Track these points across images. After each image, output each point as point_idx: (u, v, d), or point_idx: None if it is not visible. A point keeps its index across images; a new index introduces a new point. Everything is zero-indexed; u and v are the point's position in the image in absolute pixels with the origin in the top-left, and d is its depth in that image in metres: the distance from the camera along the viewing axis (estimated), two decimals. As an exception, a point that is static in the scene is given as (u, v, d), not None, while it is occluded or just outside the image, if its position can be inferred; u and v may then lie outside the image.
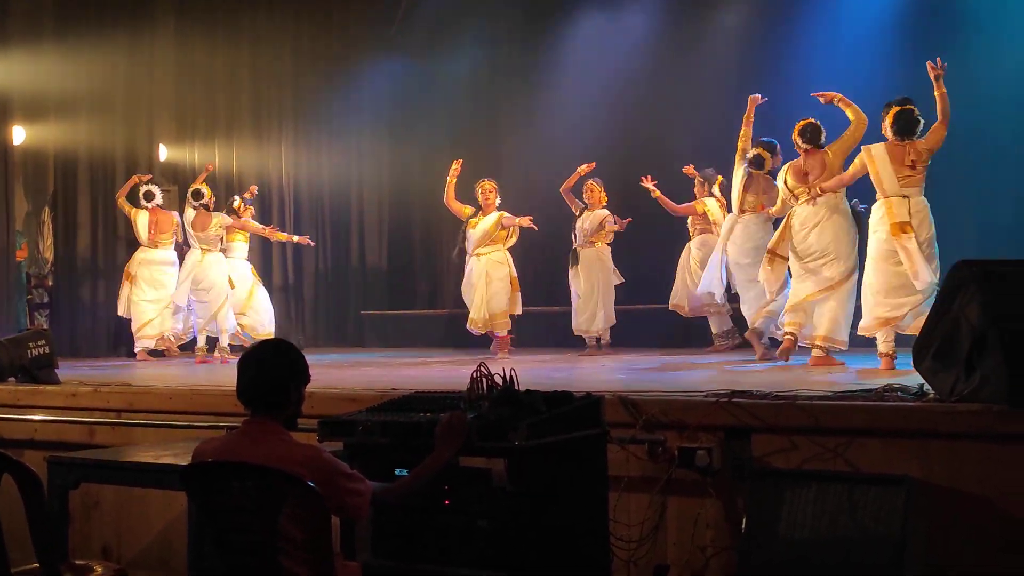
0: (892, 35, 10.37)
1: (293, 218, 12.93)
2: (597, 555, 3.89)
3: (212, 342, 10.52)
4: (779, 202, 7.89)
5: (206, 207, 10.47)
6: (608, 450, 4.03)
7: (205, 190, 10.60)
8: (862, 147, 7.23)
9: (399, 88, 13.21)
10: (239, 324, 10.66)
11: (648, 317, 10.44)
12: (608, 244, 9.81)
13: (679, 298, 9.75)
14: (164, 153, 12.46)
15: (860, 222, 7.44)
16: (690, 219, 9.80)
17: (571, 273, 9.81)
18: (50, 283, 12.24)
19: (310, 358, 3.58)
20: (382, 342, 12.92)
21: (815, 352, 7.30)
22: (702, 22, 11.61)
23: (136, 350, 10.57)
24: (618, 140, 11.36)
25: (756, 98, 8.27)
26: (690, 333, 10.15)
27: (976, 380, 4.18)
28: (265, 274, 11.75)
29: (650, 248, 10.56)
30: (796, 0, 11.08)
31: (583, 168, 9.77)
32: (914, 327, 6.51)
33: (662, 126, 11.23)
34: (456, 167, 9.96)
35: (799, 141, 7.66)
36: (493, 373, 3.84)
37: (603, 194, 9.80)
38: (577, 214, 9.83)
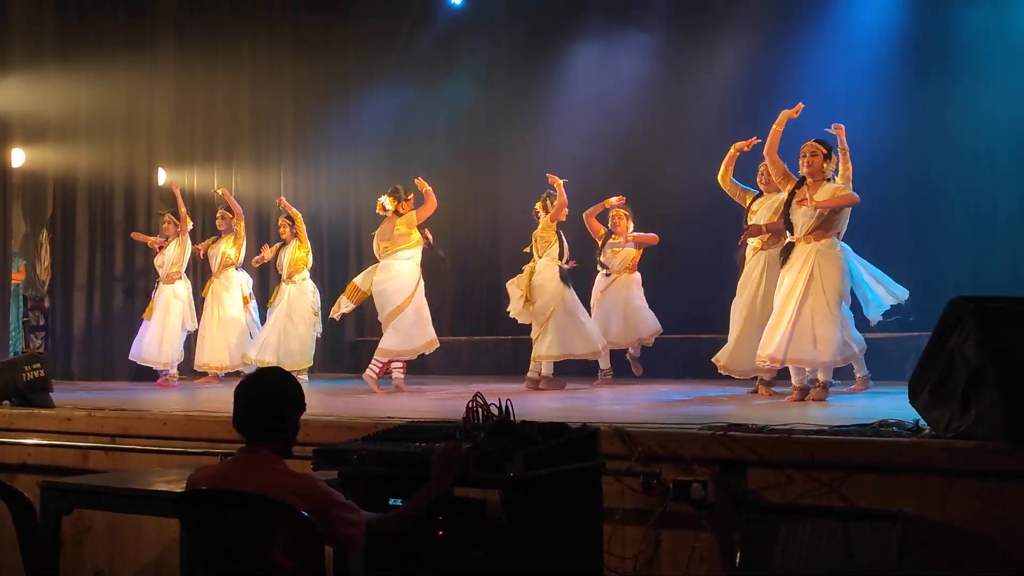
0: (890, 68, 10.41)
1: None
2: (591, 588, 3.88)
3: None
4: None
5: None
6: (603, 482, 4.02)
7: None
8: None
9: (398, 115, 13.26)
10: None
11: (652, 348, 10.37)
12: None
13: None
14: (163, 177, 12.48)
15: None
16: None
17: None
18: (47, 305, 12.24)
19: (305, 385, 3.58)
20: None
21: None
22: (701, 51, 11.67)
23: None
24: (616, 168, 11.41)
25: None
26: (691, 364, 10.10)
27: (972, 416, 4.18)
28: (263, 299, 11.68)
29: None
30: (795, 30, 11.12)
31: (612, 200, 9.52)
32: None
33: (661, 153, 11.27)
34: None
35: None
36: (489, 403, 3.84)
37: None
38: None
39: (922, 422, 4.54)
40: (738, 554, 4.26)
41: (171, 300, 10.53)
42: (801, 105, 7.38)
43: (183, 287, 10.66)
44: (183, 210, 10.71)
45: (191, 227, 10.86)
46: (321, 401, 7.55)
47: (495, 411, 3.82)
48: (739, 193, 7.98)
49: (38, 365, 7.22)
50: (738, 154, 7.94)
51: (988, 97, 9.80)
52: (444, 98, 12.99)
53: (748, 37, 11.40)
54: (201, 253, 11.01)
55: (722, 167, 7.97)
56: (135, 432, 6.25)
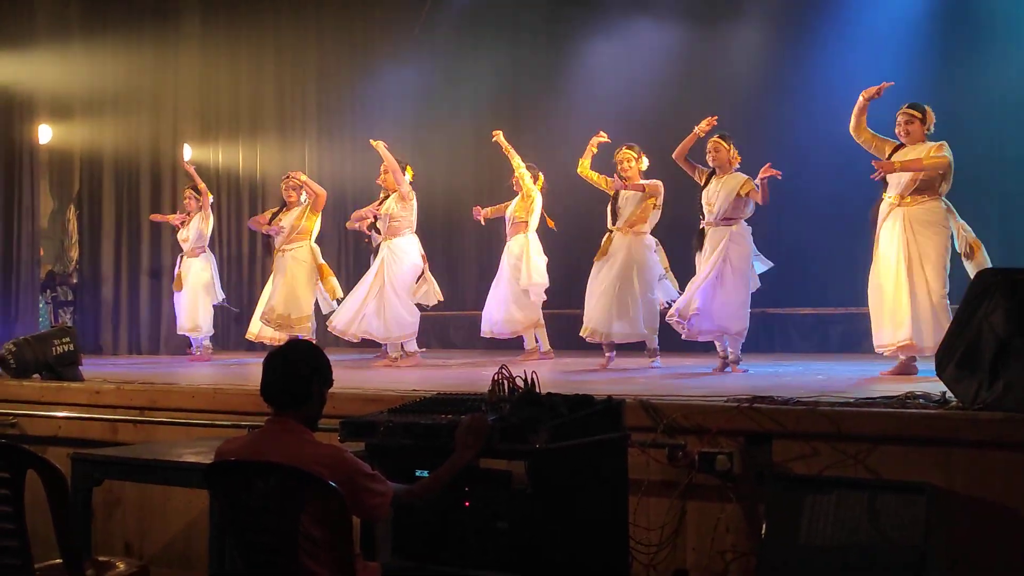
0: (911, 44, 10.31)
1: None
2: (616, 559, 3.90)
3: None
4: None
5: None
6: (628, 454, 4.04)
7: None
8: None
9: (422, 88, 13.24)
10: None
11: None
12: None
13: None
14: (188, 153, 12.53)
15: None
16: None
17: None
18: (75, 280, 12.34)
19: (332, 358, 3.60)
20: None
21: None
22: (724, 29, 11.56)
23: None
24: (641, 143, 11.33)
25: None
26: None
27: (1000, 388, 4.16)
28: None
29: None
30: (817, 9, 11.03)
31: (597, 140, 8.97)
32: None
33: (684, 126, 11.18)
34: None
35: None
36: (515, 375, 3.85)
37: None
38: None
39: (949, 394, 4.53)
40: (763, 525, 4.27)
41: (198, 273, 10.56)
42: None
43: (207, 260, 10.70)
44: (202, 185, 10.67)
45: (212, 200, 10.79)
46: (347, 374, 7.58)
47: (521, 383, 3.83)
48: (875, 143, 7.29)
49: (67, 339, 7.29)
50: (867, 103, 7.22)
51: (1016, 71, 9.70)
52: (468, 73, 12.95)
53: (775, 13, 11.30)
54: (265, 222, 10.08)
55: (852, 119, 7.27)
56: (164, 405, 6.30)
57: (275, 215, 9.93)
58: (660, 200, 8.45)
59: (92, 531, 5.10)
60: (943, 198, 6.98)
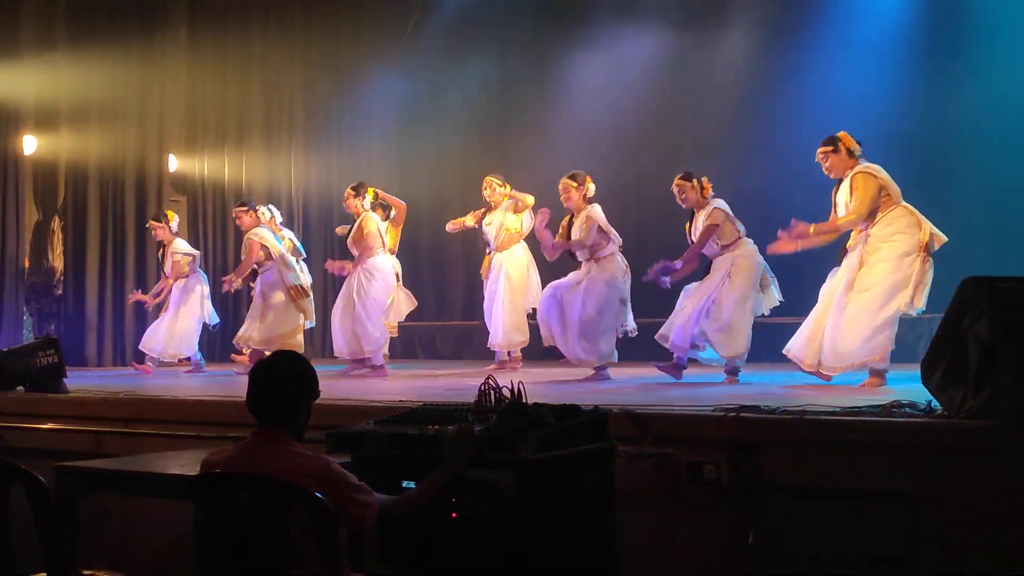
0: (903, 52, 10.36)
1: (302, 229, 12.96)
2: (604, 569, 3.89)
3: None
4: None
5: None
6: (616, 464, 4.03)
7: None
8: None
9: (409, 100, 13.25)
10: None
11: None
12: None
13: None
14: (174, 164, 12.50)
15: None
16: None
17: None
18: (59, 292, 12.28)
19: (318, 369, 3.59)
20: (390, 353, 12.92)
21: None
22: (713, 37, 11.61)
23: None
24: (629, 154, 11.37)
25: None
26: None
27: (985, 396, 4.17)
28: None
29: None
30: (805, 16, 11.08)
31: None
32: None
33: (673, 139, 11.22)
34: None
35: None
36: (501, 386, 3.85)
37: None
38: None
39: (935, 402, 4.54)
40: (751, 534, 4.27)
41: (184, 295, 10.57)
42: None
43: (195, 281, 10.69)
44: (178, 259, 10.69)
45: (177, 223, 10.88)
46: (334, 385, 7.56)
47: (507, 393, 3.83)
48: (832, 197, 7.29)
49: (52, 351, 7.26)
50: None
51: (1002, 79, 9.75)
52: (455, 84, 12.96)
53: (761, 21, 11.35)
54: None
55: None
56: (149, 416, 6.28)
57: None
58: (596, 226, 8.17)
59: (77, 543, 5.07)
60: (902, 203, 6.93)
